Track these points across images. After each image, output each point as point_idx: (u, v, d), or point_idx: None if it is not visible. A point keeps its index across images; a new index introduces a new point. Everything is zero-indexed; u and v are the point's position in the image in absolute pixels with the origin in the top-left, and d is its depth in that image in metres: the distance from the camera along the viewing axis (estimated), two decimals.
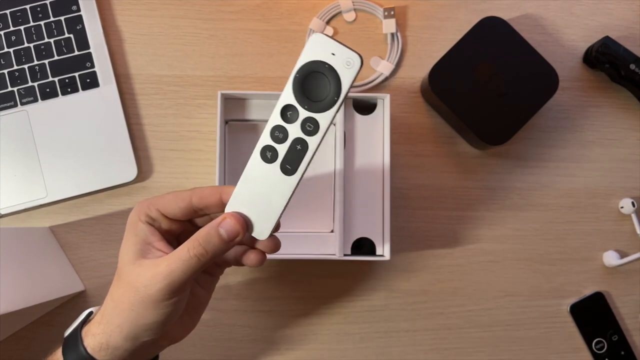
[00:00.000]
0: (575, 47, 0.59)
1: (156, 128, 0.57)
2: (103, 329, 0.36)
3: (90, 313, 0.40)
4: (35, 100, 0.56)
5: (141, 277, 0.34)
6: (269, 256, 0.53)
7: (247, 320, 0.56)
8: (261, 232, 0.35)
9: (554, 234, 0.58)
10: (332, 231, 0.53)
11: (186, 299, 0.36)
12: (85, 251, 0.56)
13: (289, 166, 0.33)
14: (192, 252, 0.34)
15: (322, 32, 0.31)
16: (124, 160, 0.56)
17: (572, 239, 0.58)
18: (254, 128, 0.54)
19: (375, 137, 0.53)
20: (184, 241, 0.35)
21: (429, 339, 0.56)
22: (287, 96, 0.32)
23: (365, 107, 0.54)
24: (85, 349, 0.36)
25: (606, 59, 0.56)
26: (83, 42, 0.57)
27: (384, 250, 0.52)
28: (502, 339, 0.57)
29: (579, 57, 0.59)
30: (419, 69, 0.58)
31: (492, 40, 0.54)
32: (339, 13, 0.59)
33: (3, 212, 0.54)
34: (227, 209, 0.35)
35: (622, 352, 0.56)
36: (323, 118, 0.32)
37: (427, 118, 0.58)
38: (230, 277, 0.56)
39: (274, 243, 0.37)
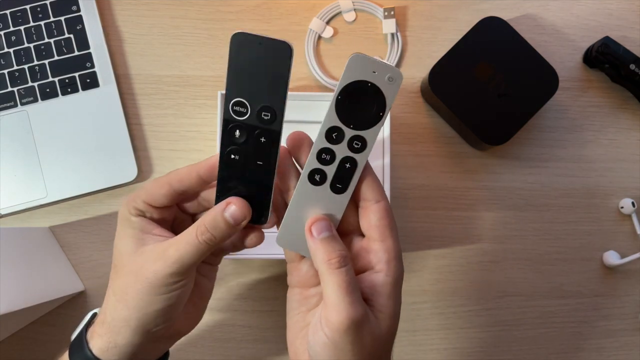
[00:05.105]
0: (575, 47, 0.59)
1: (156, 128, 0.57)
2: (108, 327, 0.35)
3: (95, 314, 0.39)
4: (36, 100, 0.56)
5: (148, 263, 0.34)
6: (269, 256, 0.53)
7: (247, 320, 0.56)
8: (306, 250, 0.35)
9: (553, 234, 0.58)
10: None
11: (193, 281, 0.36)
12: (85, 251, 0.56)
13: (340, 185, 0.34)
14: (200, 238, 0.34)
15: (358, 52, 0.32)
16: (124, 160, 0.56)
17: (572, 239, 0.58)
18: None
19: None
20: (178, 228, 0.35)
21: (429, 339, 0.56)
22: (331, 118, 0.33)
23: None
24: (90, 351, 0.35)
25: (606, 59, 0.56)
26: (83, 42, 0.57)
27: None
28: (502, 339, 0.57)
29: (579, 57, 0.59)
30: (419, 69, 0.58)
31: (492, 40, 0.54)
32: (339, 13, 0.59)
33: (3, 212, 0.54)
34: (278, 241, 0.35)
35: None
36: (369, 134, 0.33)
37: (427, 118, 0.58)
38: (231, 277, 0.56)
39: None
